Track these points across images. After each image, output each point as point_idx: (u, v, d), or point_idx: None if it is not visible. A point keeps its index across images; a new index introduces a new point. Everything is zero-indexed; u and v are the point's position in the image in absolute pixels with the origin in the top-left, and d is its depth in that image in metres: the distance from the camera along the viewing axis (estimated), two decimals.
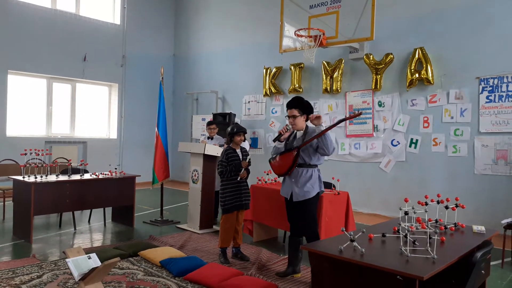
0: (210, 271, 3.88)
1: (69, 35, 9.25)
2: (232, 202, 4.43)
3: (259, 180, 5.46)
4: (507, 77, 5.96)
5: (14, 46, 8.47)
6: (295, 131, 3.95)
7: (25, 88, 8.94)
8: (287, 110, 3.93)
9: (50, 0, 9.15)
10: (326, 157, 4.02)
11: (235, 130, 4.51)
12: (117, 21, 10.29)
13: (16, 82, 8.76)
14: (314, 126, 3.83)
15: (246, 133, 4.63)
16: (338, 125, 7.57)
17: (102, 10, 10.11)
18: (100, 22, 9.87)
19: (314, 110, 4.54)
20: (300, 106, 3.87)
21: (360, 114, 3.81)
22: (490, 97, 6.12)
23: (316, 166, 3.90)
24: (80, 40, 9.43)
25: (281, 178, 4.13)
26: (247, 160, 4.52)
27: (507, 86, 5.96)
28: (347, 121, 7.57)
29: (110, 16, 10.27)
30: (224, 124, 8.80)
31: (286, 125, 3.95)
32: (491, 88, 6.11)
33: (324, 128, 3.72)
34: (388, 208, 7.02)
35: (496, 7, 6.09)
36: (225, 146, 6.09)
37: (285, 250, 5.01)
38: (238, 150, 4.54)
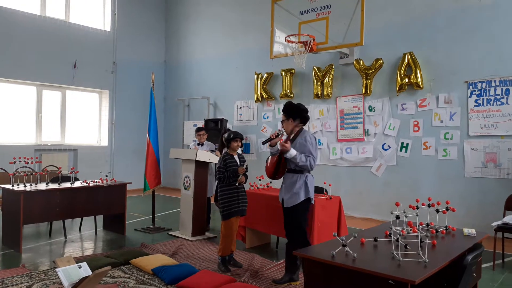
0: (202, 279, 3.85)
1: (58, 42, 9.19)
2: (231, 208, 4.39)
3: (252, 185, 5.45)
4: (494, 81, 6.05)
5: (3, 53, 8.39)
6: (288, 135, 3.99)
7: (14, 96, 8.85)
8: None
9: (39, 7, 9.10)
10: (317, 162, 4.04)
11: (231, 136, 4.50)
12: (107, 27, 10.26)
13: (5, 90, 8.67)
14: (306, 131, 3.90)
15: (242, 138, 4.63)
16: (329, 130, 7.73)
17: (92, 17, 10.07)
18: (90, 28, 9.83)
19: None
20: (287, 110, 3.95)
21: (278, 134, 3.86)
22: (478, 101, 6.20)
23: (304, 171, 3.87)
24: (70, 47, 9.37)
25: (274, 184, 4.15)
26: (245, 166, 4.52)
27: (495, 90, 6.05)
28: (338, 125, 7.64)
29: (100, 23, 10.24)
30: (216, 130, 8.80)
31: (279, 129, 3.99)
32: (479, 92, 6.19)
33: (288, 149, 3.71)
34: (380, 212, 7.06)
35: (482, 13, 6.19)
36: (217, 152, 6.10)
37: (278, 256, 5.00)
38: (235, 156, 4.54)
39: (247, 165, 4.58)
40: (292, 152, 3.70)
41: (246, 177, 4.53)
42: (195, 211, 5.71)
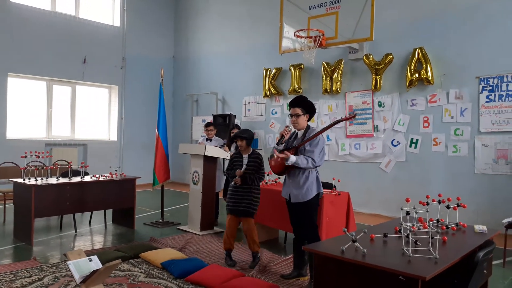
0: (211, 273, 3.87)
1: (68, 38, 9.25)
2: (228, 205, 4.42)
3: None
4: (507, 77, 5.96)
5: (14, 49, 8.47)
6: (296, 131, 3.93)
7: (25, 91, 8.94)
8: (289, 109, 3.89)
9: (49, 2, 9.15)
10: (326, 158, 4.00)
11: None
12: (117, 23, 10.30)
13: (16, 85, 8.76)
14: (314, 127, 3.84)
15: (241, 136, 4.40)
16: (338, 125, 7.65)
17: (102, 12, 10.11)
18: (99, 24, 9.88)
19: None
20: (303, 105, 3.81)
21: (355, 116, 3.80)
22: (490, 97, 6.12)
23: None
24: (79, 43, 9.43)
25: (282, 179, 4.11)
26: (243, 169, 4.35)
27: (507, 85, 5.96)
28: (347, 122, 7.57)
29: (110, 18, 10.28)
30: (224, 126, 8.80)
31: (286, 126, 3.89)
32: (491, 88, 6.11)
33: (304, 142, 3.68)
34: (388, 208, 7.02)
35: (495, 7, 6.09)
36: (225, 147, 6.11)
37: (286, 251, 5.01)
38: (245, 155, 4.43)
39: (251, 169, 4.35)
40: (292, 158, 3.60)
41: (245, 180, 4.32)
42: (203, 206, 5.74)
